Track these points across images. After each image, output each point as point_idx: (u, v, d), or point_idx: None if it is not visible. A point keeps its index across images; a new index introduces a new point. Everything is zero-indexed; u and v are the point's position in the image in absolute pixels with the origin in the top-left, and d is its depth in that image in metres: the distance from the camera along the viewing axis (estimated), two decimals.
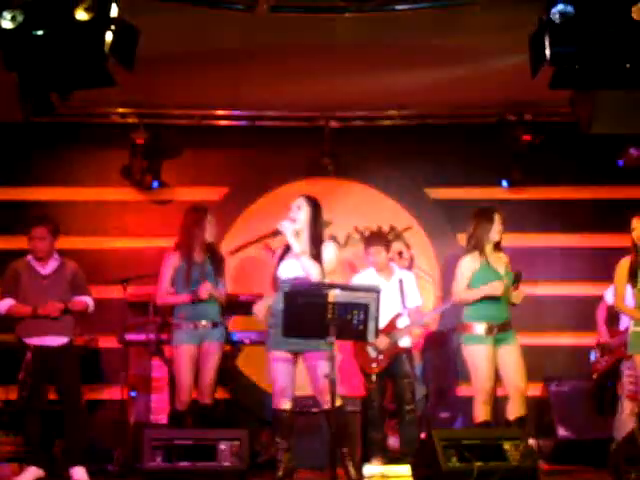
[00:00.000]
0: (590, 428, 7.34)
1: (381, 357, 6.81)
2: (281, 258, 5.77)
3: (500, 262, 6.08)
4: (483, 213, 6.21)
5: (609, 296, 6.99)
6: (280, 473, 5.45)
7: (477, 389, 5.97)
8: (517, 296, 6.09)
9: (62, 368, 6.23)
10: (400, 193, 8.49)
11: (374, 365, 6.82)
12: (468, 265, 6.08)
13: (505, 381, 5.97)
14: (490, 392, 5.92)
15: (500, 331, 5.94)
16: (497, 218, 6.15)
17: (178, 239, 6.36)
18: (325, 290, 5.07)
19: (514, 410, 5.92)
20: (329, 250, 5.75)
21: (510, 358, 5.94)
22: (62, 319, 6.26)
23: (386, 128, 8.37)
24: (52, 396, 6.45)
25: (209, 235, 6.28)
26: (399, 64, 7.12)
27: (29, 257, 6.37)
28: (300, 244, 5.62)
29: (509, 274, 6.05)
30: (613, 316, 7.02)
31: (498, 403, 6.08)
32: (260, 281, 7.50)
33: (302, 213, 5.71)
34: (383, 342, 6.66)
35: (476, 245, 6.08)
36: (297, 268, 5.63)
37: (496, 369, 5.97)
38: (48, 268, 6.36)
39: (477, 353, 5.95)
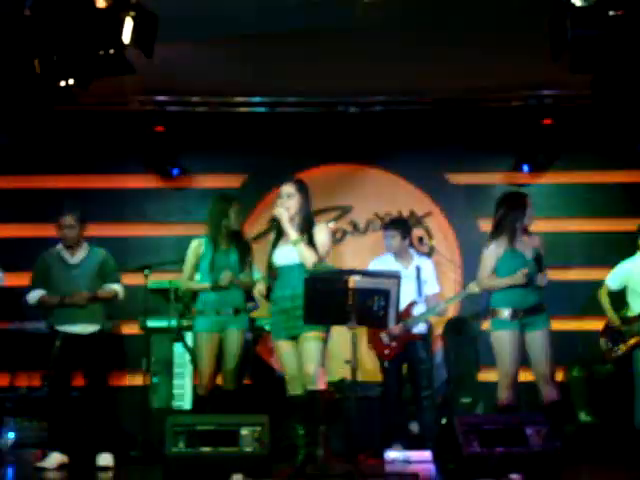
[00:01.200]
0: (612, 412, 7.31)
1: (394, 344, 6.81)
2: (275, 244, 5.74)
3: (527, 246, 6.03)
4: (515, 199, 6.12)
5: (611, 281, 6.96)
6: (300, 458, 5.46)
7: (501, 373, 5.96)
8: (540, 279, 6.04)
9: (91, 355, 6.28)
10: (420, 178, 8.47)
11: (387, 352, 6.83)
12: (492, 252, 6.03)
13: (532, 367, 5.97)
14: (514, 376, 5.91)
15: (526, 316, 5.92)
16: (529, 203, 6.10)
17: (205, 226, 6.39)
18: (346, 276, 5.08)
19: (545, 395, 5.92)
20: (322, 232, 5.69)
21: (536, 344, 5.91)
22: (91, 307, 6.30)
23: (406, 113, 8.34)
24: (78, 382, 6.49)
25: (235, 223, 6.29)
26: (419, 48, 7.08)
27: (59, 246, 6.43)
28: (295, 230, 5.62)
29: (536, 256, 6.00)
30: (617, 301, 6.99)
31: (527, 388, 6.07)
32: None
33: (293, 201, 5.68)
34: (396, 329, 6.66)
35: (505, 231, 6.02)
36: (292, 254, 5.61)
37: (524, 354, 5.96)
38: (77, 257, 6.41)
39: (501, 338, 5.94)
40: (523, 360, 5.98)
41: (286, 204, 5.67)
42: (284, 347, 5.63)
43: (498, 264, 6.02)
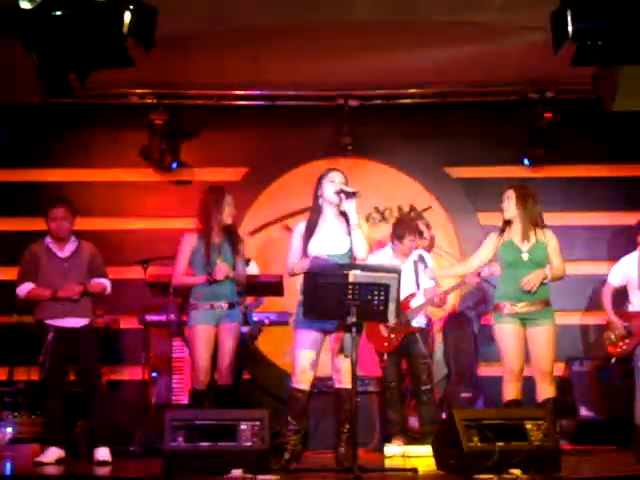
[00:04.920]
0: (612, 408, 7.29)
1: (393, 336, 6.80)
2: (308, 235, 5.62)
3: (527, 238, 6.01)
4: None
5: (613, 277, 6.95)
6: (287, 456, 5.42)
7: (504, 368, 5.98)
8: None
9: (82, 350, 6.23)
10: (420, 172, 8.44)
11: (386, 344, 6.81)
12: (487, 240, 6.18)
13: (532, 363, 5.96)
14: (516, 371, 5.91)
15: (527, 310, 5.91)
16: (506, 195, 6.09)
17: (196, 220, 6.34)
18: (345, 270, 5.05)
19: (540, 392, 5.92)
20: (365, 227, 5.71)
21: (535, 340, 5.90)
22: (81, 301, 6.26)
23: (406, 106, 8.32)
24: (74, 377, 6.47)
25: (227, 216, 6.25)
26: (419, 41, 7.06)
27: (47, 239, 6.36)
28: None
29: (536, 251, 5.99)
30: (618, 297, 6.98)
31: (529, 383, 6.05)
32: (280, 262, 7.52)
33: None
34: (395, 321, 6.62)
35: (503, 222, 6.10)
36: (335, 243, 5.54)
37: (527, 348, 5.96)
38: (66, 250, 6.34)
39: (502, 332, 5.96)
40: (527, 355, 5.97)
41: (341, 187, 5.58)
42: (310, 337, 5.52)
43: (497, 254, 6.10)
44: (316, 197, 5.71)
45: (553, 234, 6.09)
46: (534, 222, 6.04)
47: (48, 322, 6.21)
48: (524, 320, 5.93)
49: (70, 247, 6.35)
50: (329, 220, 5.66)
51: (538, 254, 5.98)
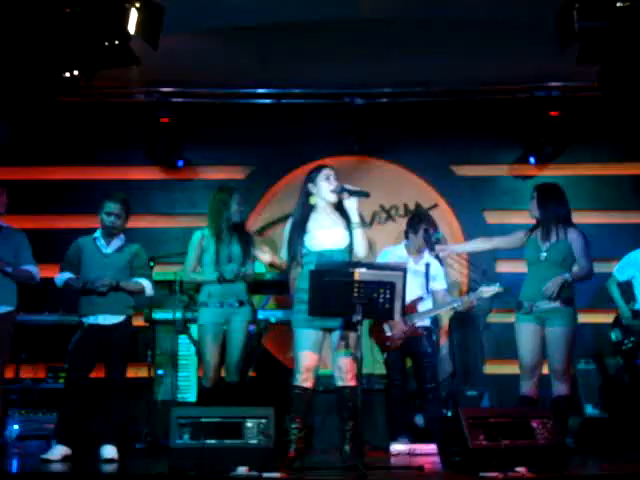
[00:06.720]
0: (618, 406, 7.29)
1: (396, 336, 6.78)
2: (299, 232, 5.55)
3: (548, 238, 6.02)
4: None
5: (618, 272, 6.94)
6: (292, 454, 5.41)
7: (520, 366, 6.04)
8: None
9: (112, 346, 6.22)
10: (426, 170, 8.44)
11: (387, 343, 6.81)
12: (517, 232, 6.26)
13: (547, 361, 5.99)
14: (528, 369, 5.96)
15: (545, 309, 5.92)
16: (531, 195, 6.17)
17: (207, 219, 6.37)
18: (351, 269, 5.06)
19: (553, 390, 5.95)
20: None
21: (552, 339, 5.92)
22: (115, 298, 6.26)
23: (412, 105, 8.31)
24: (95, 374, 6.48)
25: (236, 215, 6.27)
26: (425, 39, 7.06)
27: (96, 234, 6.38)
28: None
29: (554, 250, 5.99)
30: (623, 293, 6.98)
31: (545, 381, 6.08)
32: None
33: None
34: (404, 326, 6.63)
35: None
36: (334, 238, 5.50)
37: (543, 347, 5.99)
38: (112, 247, 6.36)
39: (518, 330, 6.05)
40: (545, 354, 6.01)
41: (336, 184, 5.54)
42: (311, 336, 5.47)
43: (523, 252, 6.16)
44: (306, 194, 5.61)
45: (579, 233, 6.06)
46: (556, 221, 6.05)
47: (84, 319, 6.26)
48: (543, 319, 5.95)
49: (115, 244, 6.37)
50: (327, 215, 5.59)
51: (556, 253, 5.98)
